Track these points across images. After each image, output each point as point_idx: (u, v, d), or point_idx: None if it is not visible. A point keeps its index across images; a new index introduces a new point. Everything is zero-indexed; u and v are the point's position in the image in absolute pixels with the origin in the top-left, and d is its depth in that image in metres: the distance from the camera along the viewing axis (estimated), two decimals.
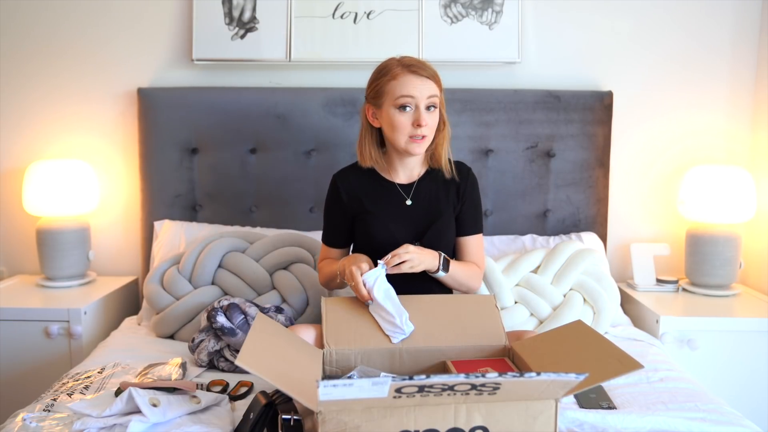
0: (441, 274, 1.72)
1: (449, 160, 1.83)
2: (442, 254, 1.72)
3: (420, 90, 1.69)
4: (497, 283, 2.09)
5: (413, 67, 1.70)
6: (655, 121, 2.50)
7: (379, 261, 1.62)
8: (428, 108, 1.71)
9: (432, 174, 1.83)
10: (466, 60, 2.42)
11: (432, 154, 1.81)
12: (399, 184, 1.82)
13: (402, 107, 1.69)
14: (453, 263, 1.75)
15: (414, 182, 1.83)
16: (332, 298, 1.68)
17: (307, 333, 1.64)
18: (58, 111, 2.50)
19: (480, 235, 1.87)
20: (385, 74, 1.73)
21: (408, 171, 1.83)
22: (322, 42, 2.41)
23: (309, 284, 2.08)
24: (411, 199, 1.81)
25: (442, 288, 1.81)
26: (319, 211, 2.41)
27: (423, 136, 1.71)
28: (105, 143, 2.52)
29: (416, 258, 1.64)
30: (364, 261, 1.66)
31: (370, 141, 1.81)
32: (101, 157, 2.52)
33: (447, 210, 1.81)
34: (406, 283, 1.67)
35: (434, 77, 1.72)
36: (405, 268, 1.62)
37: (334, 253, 1.87)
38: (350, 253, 1.87)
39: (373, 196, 1.81)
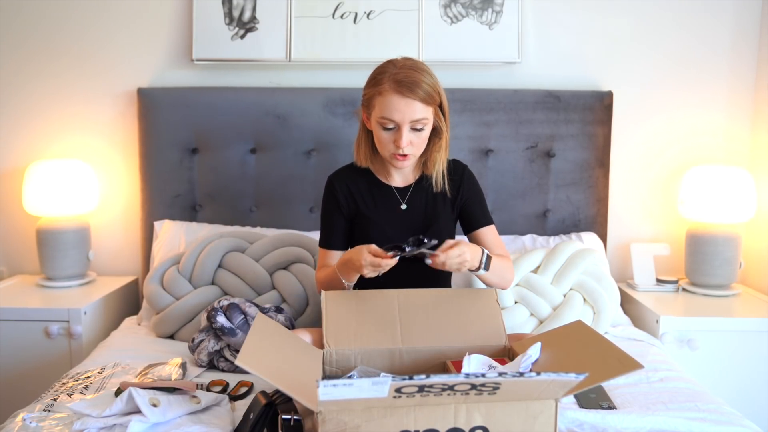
0: (482, 272, 1.63)
1: (443, 171, 1.76)
2: (485, 250, 1.62)
3: (403, 114, 1.61)
4: None
5: (401, 86, 1.61)
6: (655, 121, 2.50)
7: (426, 251, 1.52)
8: (413, 128, 1.64)
9: (428, 178, 1.79)
10: (466, 60, 2.42)
11: (425, 161, 1.77)
12: (395, 188, 1.80)
13: (384, 126, 1.65)
14: (493, 258, 1.65)
15: (410, 185, 1.80)
16: (333, 291, 1.66)
17: (305, 338, 1.63)
18: (58, 111, 2.50)
19: (493, 226, 1.81)
20: (375, 85, 1.66)
21: (403, 175, 1.80)
22: (322, 42, 2.41)
23: (309, 284, 2.08)
24: (406, 204, 1.78)
25: (439, 285, 1.81)
26: (318, 210, 2.40)
27: (406, 155, 1.66)
28: (105, 143, 2.52)
29: (470, 257, 1.56)
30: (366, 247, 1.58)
31: (365, 142, 1.77)
32: (101, 157, 2.52)
33: (444, 214, 1.78)
34: (405, 281, 1.67)
35: (426, 98, 1.62)
36: (454, 268, 1.55)
37: (333, 257, 1.81)
38: None
39: (368, 198, 1.79)
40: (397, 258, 1.54)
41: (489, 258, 1.64)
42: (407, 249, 1.52)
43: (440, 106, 1.69)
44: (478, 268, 1.62)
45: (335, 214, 1.80)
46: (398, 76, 1.62)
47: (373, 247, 1.56)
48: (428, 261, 1.55)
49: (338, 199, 1.79)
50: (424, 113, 1.64)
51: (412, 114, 1.62)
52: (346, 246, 1.83)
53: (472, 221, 1.80)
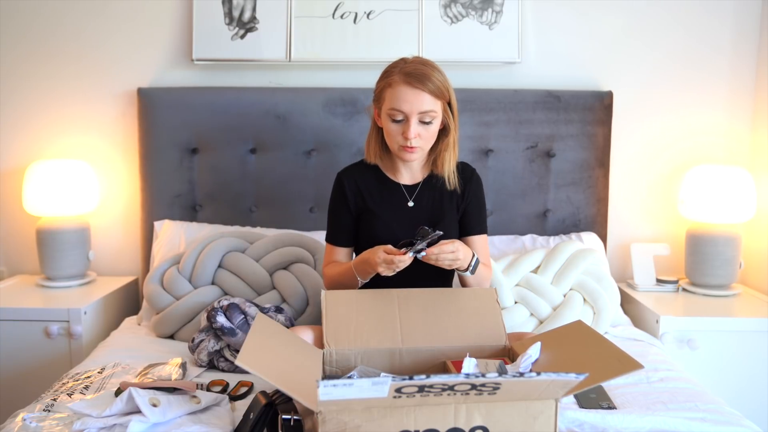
0: (467, 274, 1.68)
1: (453, 170, 1.78)
2: (475, 255, 1.68)
3: (412, 105, 1.65)
4: (497, 283, 2.10)
5: (410, 77, 1.65)
6: (655, 121, 2.50)
7: (418, 254, 1.56)
8: (422, 121, 1.67)
9: (436, 177, 1.81)
10: (466, 60, 2.42)
11: (434, 160, 1.79)
12: (403, 185, 1.81)
13: (393, 117, 1.68)
14: (480, 265, 1.72)
15: (418, 183, 1.82)
16: (333, 291, 1.67)
17: (306, 335, 1.64)
18: (58, 111, 2.50)
19: (485, 235, 1.85)
20: (385, 77, 1.71)
21: (411, 172, 1.82)
22: (322, 42, 2.41)
23: (309, 284, 2.08)
24: (413, 201, 1.80)
25: (440, 284, 1.81)
26: (319, 211, 2.41)
27: (414, 147, 1.69)
28: (105, 143, 2.52)
29: (462, 256, 1.60)
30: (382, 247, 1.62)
31: (376, 138, 1.80)
32: (101, 157, 2.52)
33: (450, 213, 1.79)
34: (405, 281, 1.67)
35: (435, 91, 1.66)
36: (445, 264, 1.59)
37: (340, 253, 1.83)
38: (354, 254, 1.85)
39: (376, 195, 1.80)
40: (411, 255, 1.56)
41: (478, 263, 1.69)
42: (416, 242, 1.56)
43: (449, 104, 1.73)
44: (465, 270, 1.66)
45: (343, 209, 1.82)
46: (408, 68, 1.67)
47: (389, 247, 1.61)
48: (422, 255, 1.58)
49: (346, 195, 1.81)
50: (433, 106, 1.67)
51: (421, 105, 1.65)
52: (352, 242, 1.84)
53: (467, 227, 1.83)
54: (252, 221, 2.44)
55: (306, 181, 2.42)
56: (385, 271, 1.59)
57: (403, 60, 1.72)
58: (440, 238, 1.58)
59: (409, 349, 1.55)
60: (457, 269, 1.67)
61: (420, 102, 1.65)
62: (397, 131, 1.69)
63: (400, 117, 1.67)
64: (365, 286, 1.73)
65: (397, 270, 1.58)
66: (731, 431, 1.45)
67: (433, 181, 1.81)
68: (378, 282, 1.70)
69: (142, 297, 2.26)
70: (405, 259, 1.56)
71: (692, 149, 2.50)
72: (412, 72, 1.66)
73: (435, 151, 1.78)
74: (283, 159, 2.42)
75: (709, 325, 2.11)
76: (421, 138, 1.69)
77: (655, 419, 1.48)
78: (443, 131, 1.75)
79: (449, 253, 1.58)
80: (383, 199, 1.80)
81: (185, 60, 2.46)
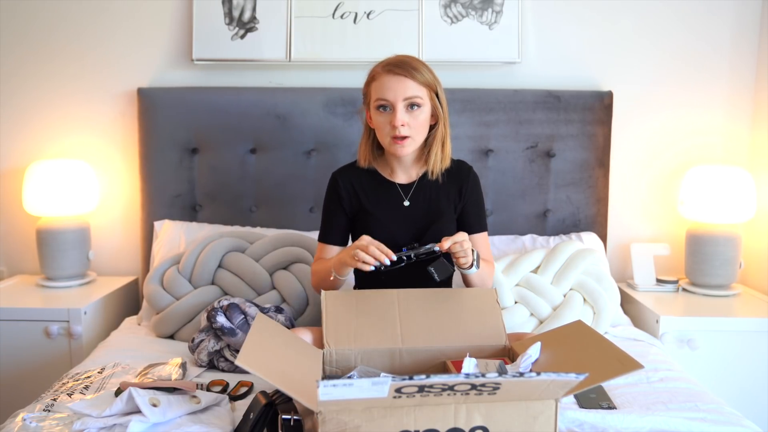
0: (473, 271, 1.66)
1: (441, 167, 1.79)
2: (475, 250, 1.67)
3: (396, 91, 1.67)
4: (497, 283, 2.10)
5: (390, 66, 1.69)
6: (655, 121, 2.50)
7: (436, 247, 1.58)
8: (409, 107, 1.68)
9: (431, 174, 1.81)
10: (466, 60, 2.42)
11: (427, 156, 1.79)
12: (399, 184, 1.82)
13: (380, 108, 1.70)
14: (481, 260, 1.72)
15: (413, 182, 1.82)
16: (333, 291, 1.67)
17: (305, 337, 1.64)
18: (57, 111, 2.50)
19: (485, 233, 1.85)
20: (369, 75, 1.74)
21: (406, 171, 1.82)
22: (322, 42, 2.41)
23: (309, 284, 2.08)
24: (409, 200, 1.80)
25: (441, 284, 1.81)
26: (318, 211, 2.40)
27: (404, 137, 1.69)
28: (105, 143, 2.52)
29: (470, 252, 1.61)
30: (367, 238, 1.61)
31: (366, 141, 1.81)
32: (101, 157, 2.52)
33: (447, 211, 1.79)
34: (405, 281, 1.67)
35: (419, 78, 1.68)
36: (459, 252, 1.59)
37: (331, 251, 1.83)
38: None
39: (372, 195, 1.80)
40: (393, 261, 1.56)
41: (478, 257, 1.69)
42: (416, 247, 1.61)
43: (438, 97, 1.74)
44: (470, 266, 1.65)
45: (337, 209, 1.82)
46: (389, 60, 1.72)
47: (377, 242, 1.59)
48: (436, 248, 1.59)
49: (341, 195, 1.81)
50: (417, 92, 1.68)
51: (405, 91, 1.67)
52: (344, 242, 1.84)
53: (467, 225, 1.82)
54: (252, 221, 2.44)
55: (306, 181, 2.42)
56: (364, 257, 1.55)
57: (387, 58, 1.75)
58: (432, 252, 1.60)
59: (409, 349, 1.55)
60: (462, 267, 1.66)
61: (404, 88, 1.67)
62: (385, 122, 1.69)
63: (386, 105, 1.68)
64: (366, 286, 1.73)
65: (375, 266, 1.56)
66: (731, 431, 1.45)
67: (428, 178, 1.81)
68: (378, 283, 1.70)
69: (142, 297, 2.26)
70: (389, 257, 1.55)
71: (692, 149, 2.50)
72: (393, 62, 1.70)
73: (427, 146, 1.78)
74: (283, 159, 2.42)
75: (709, 325, 2.11)
76: (410, 127, 1.69)
77: (655, 419, 1.48)
78: (434, 126, 1.76)
79: (465, 241, 1.58)
80: (379, 199, 1.80)
81: (185, 60, 2.46)
